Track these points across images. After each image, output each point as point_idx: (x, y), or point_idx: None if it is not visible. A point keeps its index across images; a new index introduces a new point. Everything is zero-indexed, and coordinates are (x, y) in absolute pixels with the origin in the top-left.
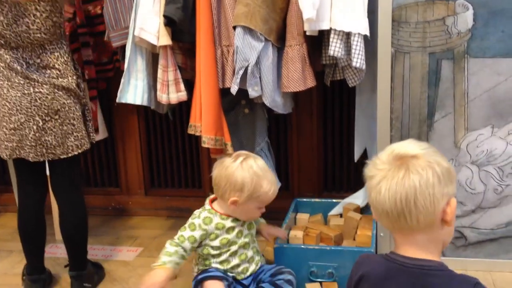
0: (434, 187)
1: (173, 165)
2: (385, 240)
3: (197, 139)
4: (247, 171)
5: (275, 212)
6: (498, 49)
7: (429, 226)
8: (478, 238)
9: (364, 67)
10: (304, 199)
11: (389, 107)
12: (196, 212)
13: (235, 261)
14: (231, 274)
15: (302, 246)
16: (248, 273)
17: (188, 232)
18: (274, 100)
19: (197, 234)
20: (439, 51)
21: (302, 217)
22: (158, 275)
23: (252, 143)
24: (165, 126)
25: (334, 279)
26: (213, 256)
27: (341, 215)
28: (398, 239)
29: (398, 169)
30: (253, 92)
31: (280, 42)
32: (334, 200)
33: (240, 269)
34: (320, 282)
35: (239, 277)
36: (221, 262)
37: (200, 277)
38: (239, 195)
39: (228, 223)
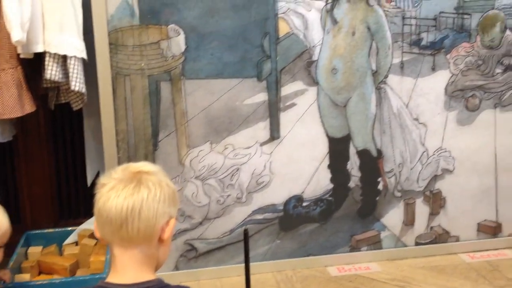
0: (159, 203)
1: None
2: None
3: None
4: None
5: (6, 249)
6: (209, 71)
7: (148, 240)
8: (207, 248)
9: (84, 90)
10: (36, 231)
11: (114, 129)
12: None
13: None
14: None
15: (31, 283)
16: None
17: None
18: None
19: None
20: (157, 73)
21: (34, 250)
22: None
23: None
24: None
25: None
26: None
27: (76, 243)
28: (117, 256)
29: (131, 181)
30: None
31: None
32: (69, 228)
33: None
34: None
35: None
36: None
37: None
38: None
39: None
